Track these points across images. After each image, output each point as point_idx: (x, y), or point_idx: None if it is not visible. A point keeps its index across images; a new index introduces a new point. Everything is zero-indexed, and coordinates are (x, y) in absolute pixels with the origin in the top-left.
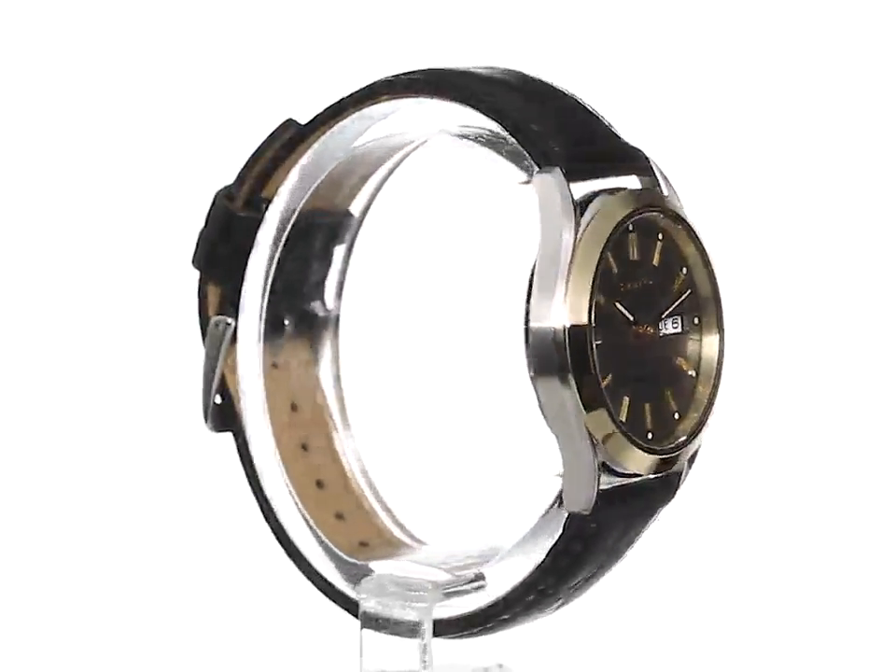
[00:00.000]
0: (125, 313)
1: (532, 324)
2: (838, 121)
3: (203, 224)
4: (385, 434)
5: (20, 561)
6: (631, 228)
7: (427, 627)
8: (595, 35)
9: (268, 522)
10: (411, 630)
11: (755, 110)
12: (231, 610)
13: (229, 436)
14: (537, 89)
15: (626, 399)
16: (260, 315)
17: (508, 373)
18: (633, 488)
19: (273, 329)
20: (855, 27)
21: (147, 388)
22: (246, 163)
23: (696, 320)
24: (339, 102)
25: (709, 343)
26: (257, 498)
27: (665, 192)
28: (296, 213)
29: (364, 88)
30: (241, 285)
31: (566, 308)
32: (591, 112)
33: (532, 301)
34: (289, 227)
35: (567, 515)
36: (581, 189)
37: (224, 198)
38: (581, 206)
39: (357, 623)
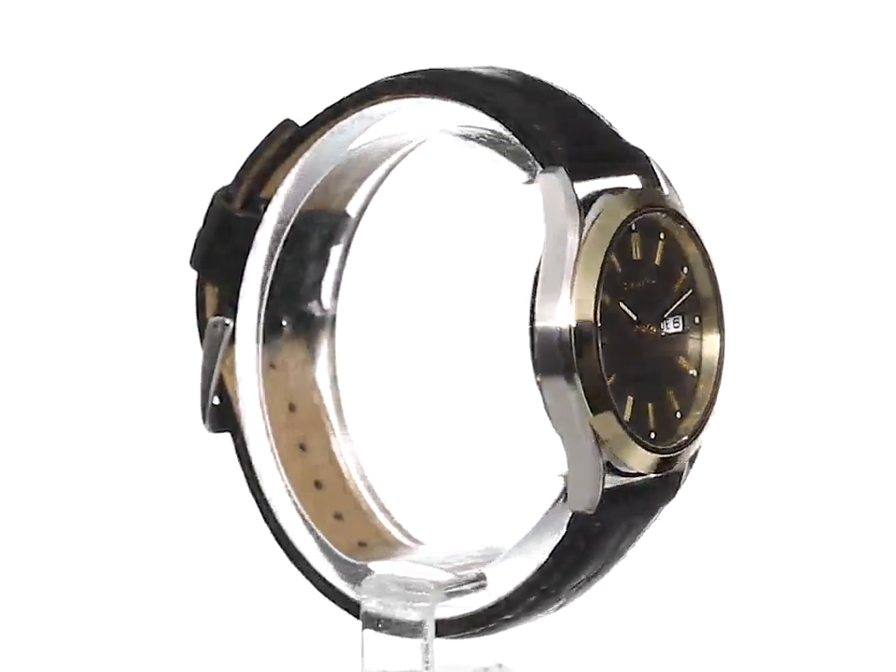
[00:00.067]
0: (123, 313)
1: (537, 324)
2: (838, 121)
3: (200, 224)
4: (382, 435)
5: (20, 561)
6: (634, 227)
7: (430, 627)
8: (595, 34)
9: (267, 522)
10: (413, 630)
11: (755, 110)
12: (232, 612)
13: (227, 437)
14: (537, 89)
15: (630, 399)
16: (259, 316)
17: (506, 373)
18: (635, 487)
19: (271, 329)
20: (855, 27)
21: (146, 389)
22: (245, 164)
23: (697, 319)
24: (339, 102)
25: (710, 343)
26: (256, 499)
27: (666, 192)
28: (295, 213)
29: (364, 88)
30: (239, 285)
31: (572, 308)
32: (591, 112)
33: (537, 300)
34: (288, 227)
35: (570, 514)
36: (584, 188)
37: (222, 198)
38: (585, 206)
39: (358, 623)
